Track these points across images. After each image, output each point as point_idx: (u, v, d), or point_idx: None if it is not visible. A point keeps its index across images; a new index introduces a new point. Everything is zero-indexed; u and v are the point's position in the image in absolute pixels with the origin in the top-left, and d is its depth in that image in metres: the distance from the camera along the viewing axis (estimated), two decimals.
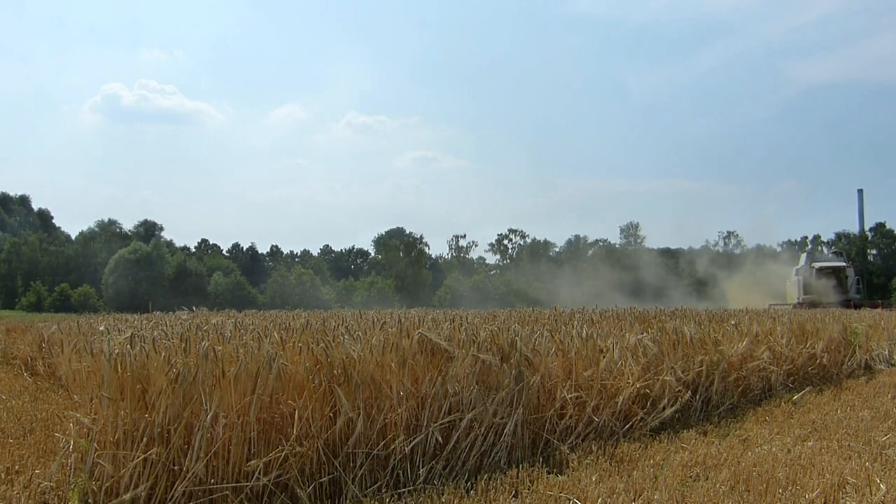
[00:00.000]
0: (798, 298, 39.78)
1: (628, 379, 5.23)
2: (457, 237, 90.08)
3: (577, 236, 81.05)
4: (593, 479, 3.84)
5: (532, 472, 3.99)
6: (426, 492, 3.69)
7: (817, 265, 42.44)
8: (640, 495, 3.59)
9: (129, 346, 3.65)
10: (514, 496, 3.68)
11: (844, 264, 43.07)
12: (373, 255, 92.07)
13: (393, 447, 3.85)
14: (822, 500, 3.56)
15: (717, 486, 3.74)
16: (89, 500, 3.29)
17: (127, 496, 3.22)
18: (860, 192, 58.58)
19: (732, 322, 7.75)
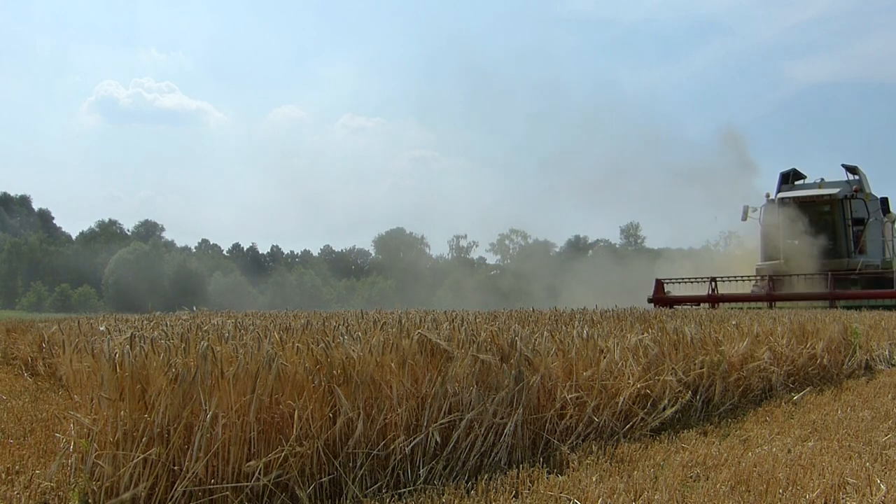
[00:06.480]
0: (756, 274, 20.74)
1: (629, 379, 5.22)
2: (457, 237, 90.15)
3: (577, 236, 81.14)
4: (594, 479, 3.84)
5: (532, 472, 3.98)
6: (426, 492, 3.68)
7: (788, 195, 21.03)
8: (640, 495, 3.59)
9: (128, 346, 3.65)
10: (514, 496, 3.67)
11: (838, 192, 20.02)
12: (373, 255, 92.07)
13: (393, 447, 3.84)
14: (823, 501, 3.56)
15: (718, 486, 3.74)
16: (89, 501, 3.29)
17: (127, 496, 3.21)
18: None
19: (733, 322, 7.74)
